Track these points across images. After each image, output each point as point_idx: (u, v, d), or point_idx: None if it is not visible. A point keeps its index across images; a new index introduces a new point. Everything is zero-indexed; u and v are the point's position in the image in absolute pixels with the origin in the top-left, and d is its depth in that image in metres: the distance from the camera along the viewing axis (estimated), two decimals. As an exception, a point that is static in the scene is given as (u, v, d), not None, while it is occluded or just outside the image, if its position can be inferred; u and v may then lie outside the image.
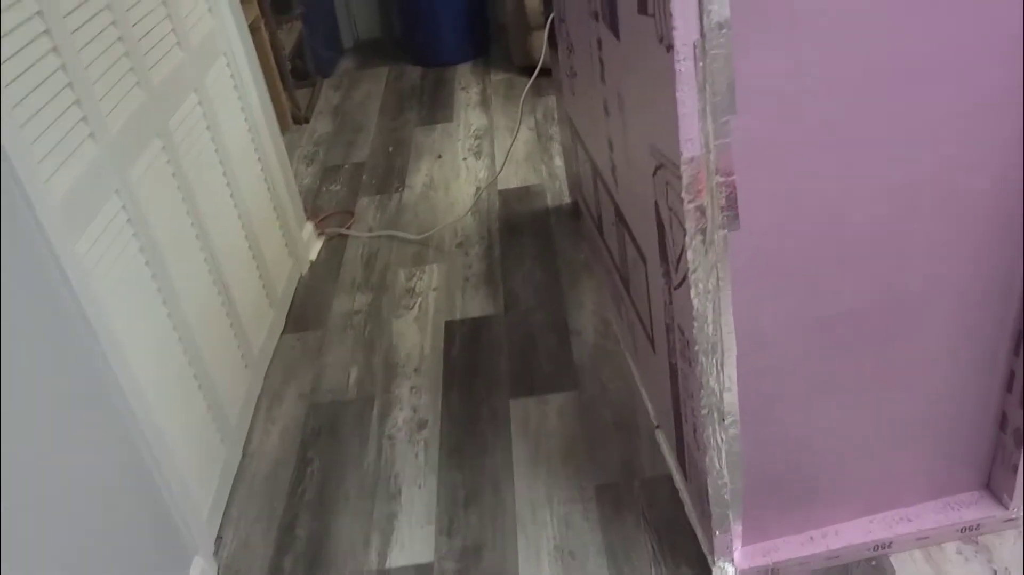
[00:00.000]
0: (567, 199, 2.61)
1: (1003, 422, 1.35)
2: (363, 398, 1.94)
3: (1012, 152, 1.10)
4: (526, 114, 3.19)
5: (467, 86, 3.62)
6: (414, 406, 1.89)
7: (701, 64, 0.97)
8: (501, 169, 2.79)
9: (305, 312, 2.26)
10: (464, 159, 2.98)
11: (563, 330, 2.05)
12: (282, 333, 2.18)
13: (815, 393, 1.27)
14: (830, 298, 1.19)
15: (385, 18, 4.16)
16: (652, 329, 1.50)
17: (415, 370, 2.00)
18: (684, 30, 0.95)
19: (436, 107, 3.46)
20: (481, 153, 3.00)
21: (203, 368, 1.68)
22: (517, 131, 2.77)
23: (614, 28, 1.29)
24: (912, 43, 1.01)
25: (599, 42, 1.44)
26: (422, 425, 1.83)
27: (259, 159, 2.20)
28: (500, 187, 2.74)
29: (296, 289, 2.34)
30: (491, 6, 3.98)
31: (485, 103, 3.42)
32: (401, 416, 1.87)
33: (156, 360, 1.50)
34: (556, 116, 3.13)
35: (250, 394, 1.93)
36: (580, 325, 2.06)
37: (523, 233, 2.49)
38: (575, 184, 2.44)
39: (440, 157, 3.02)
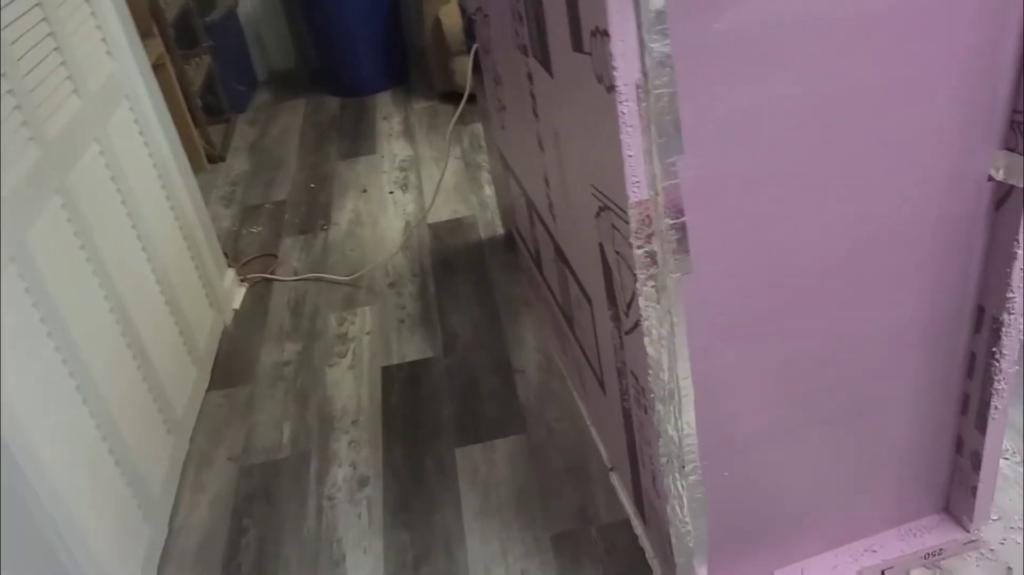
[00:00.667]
0: (500, 230, 2.54)
1: (959, 446, 1.33)
2: (299, 456, 1.82)
3: (961, 189, 1.08)
4: (452, 142, 3.12)
5: (389, 115, 3.53)
6: (354, 462, 1.78)
7: (645, 104, 0.91)
8: (431, 205, 2.70)
9: (231, 366, 2.14)
10: (391, 192, 2.89)
11: (506, 369, 1.98)
12: (207, 390, 2.05)
13: (775, 433, 1.23)
14: (786, 338, 1.14)
15: (300, 47, 4.04)
16: (601, 371, 1.44)
17: (353, 422, 1.89)
18: (625, 70, 0.89)
19: (358, 139, 3.36)
20: (408, 185, 2.91)
21: (119, 441, 1.54)
22: (446, 164, 2.69)
23: (546, 64, 1.23)
24: (862, 79, 0.97)
25: (530, 76, 1.38)
26: (364, 482, 1.73)
27: (172, 207, 2.07)
28: (430, 220, 2.66)
29: (220, 341, 2.21)
30: (408, 31, 3.91)
31: (409, 132, 3.34)
32: (341, 474, 1.76)
33: (64, 440, 1.37)
34: (483, 144, 3.07)
35: (174, 461, 1.79)
36: (523, 363, 1.99)
37: (457, 268, 2.41)
38: (508, 214, 2.38)
39: (365, 191, 2.93)
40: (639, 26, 0.87)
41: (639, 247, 1.01)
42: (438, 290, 2.32)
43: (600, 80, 0.95)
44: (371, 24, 3.64)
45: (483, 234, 2.56)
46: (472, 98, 2.16)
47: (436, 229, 2.62)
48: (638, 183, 0.97)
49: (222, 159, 3.31)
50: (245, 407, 1.99)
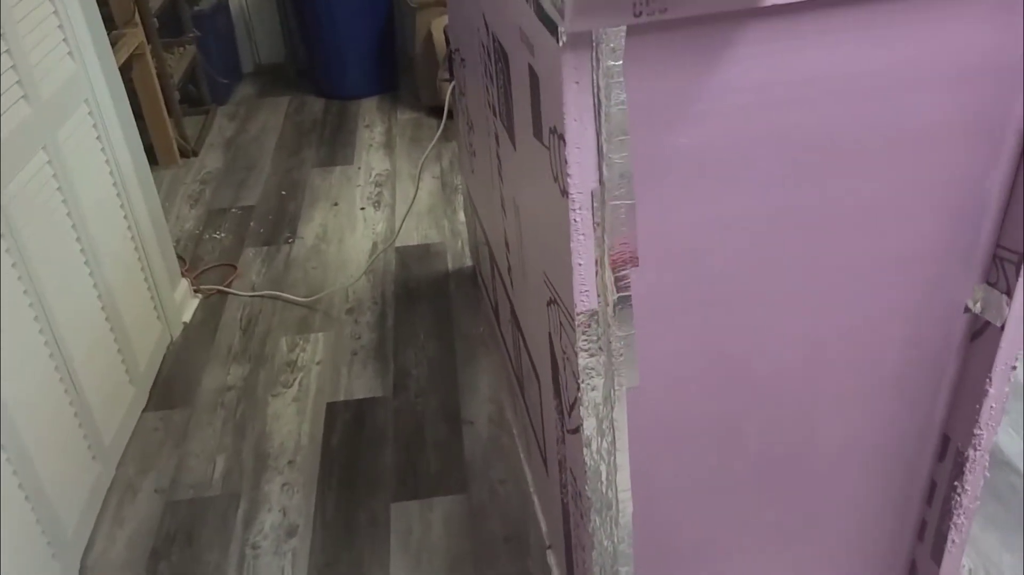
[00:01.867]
0: (469, 261, 2.46)
1: (913, 572, 1.27)
2: (228, 495, 1.74)
3: (934, 316, 1.01)
4: (431, 160, 3.04)
5: (371, 124, 3.44)
6: (284, 508, 1.70)
7: (600, 214, 0.84)
8: (398, 232, 2.61)
9: (172, 385, 2.04)
10: (362, 208, 2.80)
11: (455, 419, 1.90)
12: (144, 410, 1.96)
13: (716, 548, 1.16)
14: (734, 452, 1.07)
15: (289, 43, 3.94)
16: (545, 450, 1.37)
17: (289, 463, 1.81)
18: (580, 178, 0.81)
19: (337, 146, 3.27)
20: (381, 203, 2.82)
21: (31, 472, 1.45)
22: (415, 192, 2.61)
23: (511, 134, 1.15)
24: (819, 195, 0.90)
25: (496, 138, 1.30)
26: (292, 532, 1.65)
27: (125, 216, 1.98)
28: (398, 243, 2.57)
29: (165, 357, 2.12)
30: (400, 39, 3.82)
31: (389, 145, 3.25)
32: (269, 520, 1.68)
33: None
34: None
35: (96, 490, 1.70)
36: (473, 413, 1.91)
37: (420, 299, 2.33)
38: (475, 248, 2.30)
39: (336, 205, 2.84)
40: (599, 134, 0.79)
41: (585, 357, 0.93)
42: (396, 322, 2.23)
43: (555, 180, 0.87)
44: (363, 28, 3.54)
45: (451, 264, 2.47)
46: (451, 116, 2.07)
47: (403, 254, 2.54)
48: (587, 292, 0.89)
49: (195, 154, 3.21)
50: (180, 433, 1.90)
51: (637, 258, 0.87)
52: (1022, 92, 0.87)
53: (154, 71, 2.96)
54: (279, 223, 2.74)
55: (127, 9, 2.78)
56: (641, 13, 0.72)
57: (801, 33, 0.79)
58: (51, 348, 1.57)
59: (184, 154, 3.18)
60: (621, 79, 0.76)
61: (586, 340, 0.92)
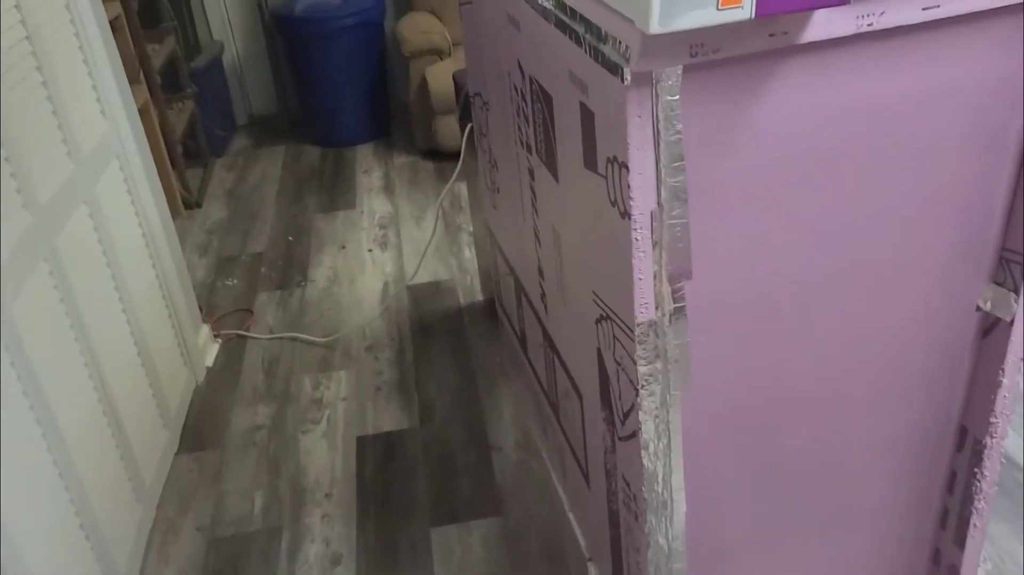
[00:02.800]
0: (480, 296, 2.55)
1: (937, 559, 1.36)
2: (269, 530, 1.79)
3: (950, 317, 1.12)
4: (432, 201, 3.14)
5: (369, 169, 3.54)
6: (327, 538, 1.76)
7: (658, 233, 0.93)
8: (416, 271, 2.70)
9: (202, 428, 2.10)
10: (369, 250, 2.89)
11: (483, 445, 1.97)
12: (176, 453, 2.01)
13: (758, 543, 1.24)
14: (775, 451, 1.16)
15: (282, 95, 4.04)
16: (587, 466, 1.45)
17: (326, 495, 1.86)
18: (642, 200, 0.91)
19: (337, 192, 3.36)
20: (387, 244, 2.91)
21: (89, 511, 1.50)
22: (434, 231, 2.70)
23: (552, 168, 1.25)
24: (848, 209, 1.01)
25: (531, 173, 1.40)
26: (336, 561, 1.70)
27: (153, 264, 2.05)
28: (409, 282, 2.66)
29: (192, 401, 2.18)
30: (393, 85, 3.94)
31: (389, 188, 3.35)
32: (313, 551, 1.73)
33: (35, 509, 1.33)
34: (464, 205, 3.09)
35: (141, 530, 1.75)
36: (500, 439, 1.99)
37: (436, 334, 2.40)
38: (487, 279, 2.39)
39: (344, 248, 2.92)
40: (658, 161, 0.89)
41: (644, 364, 1.02)
42: (416, 356, 2.31)
43: (613, 204, 0.97)
44: (356, 76, 3.66)
45: (462, 300, 2.56)
46: (456, 156, 2.15)
47: (415, 292, 2.62)
48: (646, 304, 0.98)
49: (198, 205, 3.29)
50: (215, 473, 1.95)
51: (691, 271, 0.97)
52: (1022, 109, 0.98)
53: (158, 126, 3.04)
54: (289, 267, 2.81)
55: (133, 68, 2.88)
56: (696, 54, 0.83)
57: (830, 66, 0.90)
58: (99, 392, 1.63)
59: (188, 206, 3.25)
60: (678, 112, 0.86)
61: (644, 349, 1.01)
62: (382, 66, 3.75)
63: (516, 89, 1.38)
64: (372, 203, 3.23)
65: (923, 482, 1.28)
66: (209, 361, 2.33)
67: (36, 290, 1.42)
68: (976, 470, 1.22)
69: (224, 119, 3.88)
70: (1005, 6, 0.90)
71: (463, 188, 3.11)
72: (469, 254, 2.78)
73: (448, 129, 3.32)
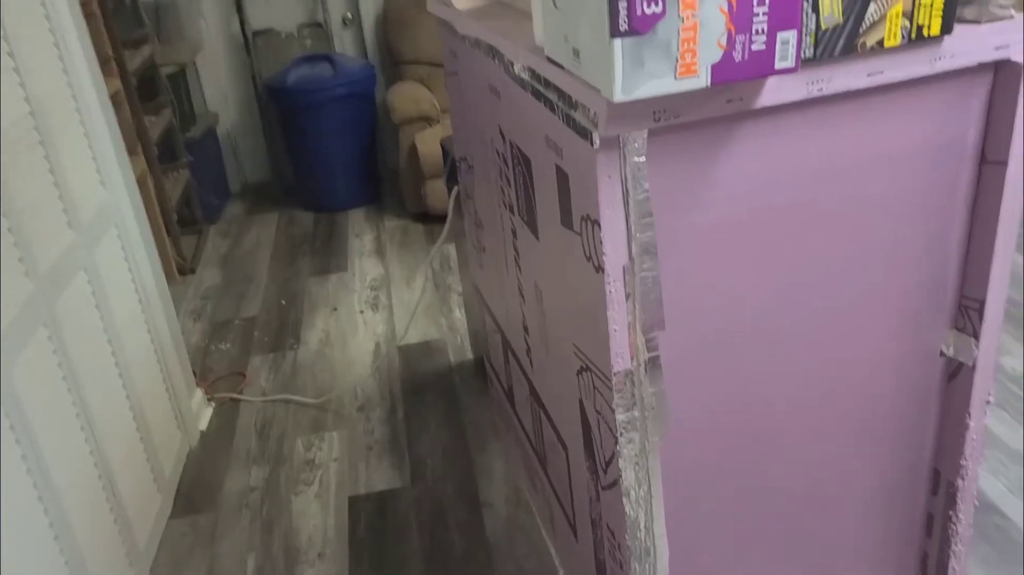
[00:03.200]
0: (470, 354, 2.59)
1: (920, 600, 1.38)
2: (263, 591, 1.80)
3: (916, 363, 1.16)
4: (422, 262, 3.20)
5: (361, 233, 3.62)
6: (320, 598, 1.76)
7: (630, 285, 0.99)
8: (405, 332, 2.75)
9: (195, 492, 2.11)
10: (361, 312, 2.93)
11: (474, 502, 1.99)
12: (170, 518, 2.02)
13: (745, 588, 1.26)
14: (754, 497, 1.20)
15: (274, 161, 4.14)
16: (574, 518, 1.47)
17: (319, 555, 1.87)
18: (613, 255, 0.97)
19: (329, 255, 3.42)
20: (378, 305, 2.96)
21: (85, 573, 1.52)
22: (422, 292, 2.75)
23: (532, 226, 1.31)
24: (811, 262, 1.06)
25: (514, 232, 1.46)
26: (329, 620, 1.71)
27: (148, 329, 2.09)
28: (400, 343, 2.70)
29: (185, 465, 2.19)
30: (382, 150, 4.04)
31: (380, 251, 3.41)
32: (306, 611, 1.74)
33: (31, 571, 1.35)
34: (453, 265, 3.15)
35: (135, 594, 1.76)
36: (491, 495, 2.00)
37: (427, 393, 2.44)
38: (478, 340, 2.43)
39: (336, 310, 2.97)
40: (627, 218, 0.95)
41: (621, 412, 1.06)
42: (407, 415, 2.34)
43: (588, 259, 1.02)
44: (348, 143, 3.76)
45: (452, 358, 2.60)
46: (444, 219, 2.22)
47: (406, 352, 2.66)
48: (622, 354, 1.03)
49: (192, 271, 3.34)
50: (208, 537, 1.96)
51: (664, 322, 1.02)
52: (969, 164, 1.05)
53: (154, 195, 3.12)
54: (282, 331, 2.86)
55: (131, 140, 2.96)
56: (660, 119, 0.89)
57: (785, 129, 0.97)
58: (95, 456, 1.65)
59: (182, 272, 3.31)
60: (645, 172, 0.92)
61: (622, 397, 1.05)
62: (373, 133, 3.86)
63: (498, 153, 1.45)
64: (364, 266, 3.29)
65: (902, 525, 1.31)
66: (203, 425, 2.35)
67: (35, 354, 1.46)
68: (951, 512, 1.25)
69: (219, 187, 3.96)
70: (944, 72, 0.97)
71: (453, 250, 3.18)
72: (459, 314, 2.83)
73: (437, 193, 3.41)
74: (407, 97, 3.52)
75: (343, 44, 4.05)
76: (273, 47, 3.97)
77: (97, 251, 1.82)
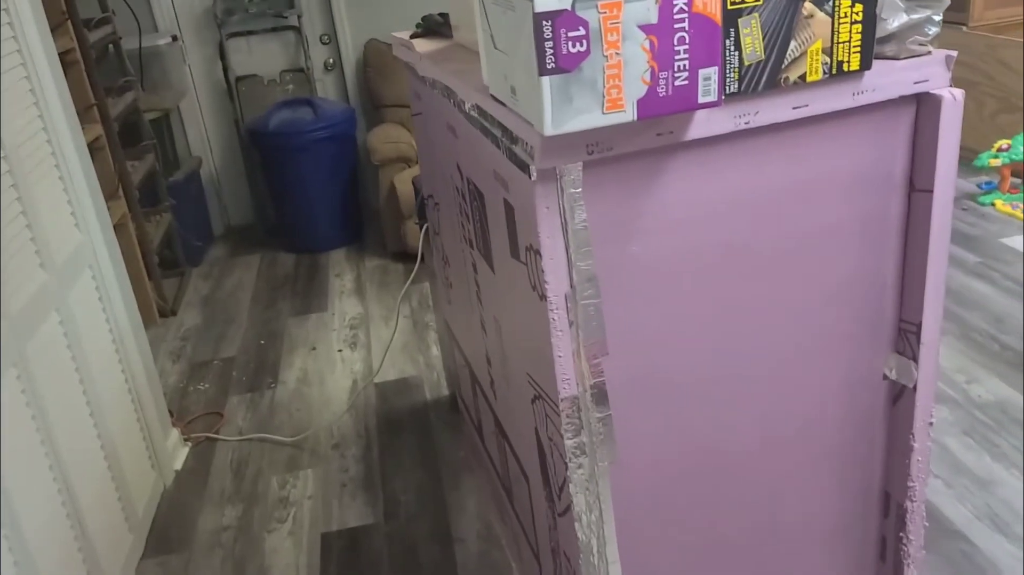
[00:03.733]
0: (446, 391, 2.61)
1: (879, 625, 1.39)
2: (233, 629, 1.79)
3: (860, 388, 1.20)
4: (401, 301, 3.23)
5: (341, 273, 3.65)
6: (289, 636, 1.76)
7: (573, 313, 1.02)
8: (379, 368, 2.77)
9: (168, 532, 2.11)
10: (339, 351, 2.95)
11: (446, 538, 2.00)
12: (141, 558, 2.02)
13: (702, 613, 1.28)
14: (705, 524, 1.22)
15: (257, 204, 4.19)
16: (538, 547, 1.49)
17: (290, 593, 1.87)
18: (555, 283, 1.00)
19: (310, 295, 3.45)
20: (357, 344, 2.98)
21: (50, 616, 1.52)
22: (395, 329, 2.78)
23: (488, 260, 1.34)
24: (749, 290, 1.10)
25: (475, 267, 1.49)
26: (298, 658, 1.70)
27: (123, 370, 2.10)
28: (377, 380, 2.72)
29: (159, 505, 2.19)
30: (363, 192, 4.10)
31: (360, 290, 3.44)
32: (275, 649, 1.73)
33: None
34: (431, 303, 3.18)
35: (104, 635, 1.75)
36: (463, 531, 2.01)
37: (402, 429, 2.45)
38: (453, 376, 2.46)
39: (315, 349, 2.99)
40: (567, 247, 0.99)
41: (569, 438, 1.09)
42: (382, 453, 2.35)
43: (534, 288, 1.06)
44: (330, 185, 3.81)
45: (428, 395, 2.62)
46: (422, 258, 2.27)
47: (383, 389, 2.68)
48: (568, 380, 1.06)
49: (173, 313, 3.36)
50: (181, 575, 1.96)
51: (607, 348, 1.05)
52: (899, 193, 1.09)
53: (136, 238, 3.15)
54: (260, 370, 2.87)
55: (112, 184, 3.01)
56: (593, 152, 0.94)
57: (714, 161, 1.01)
58: (63, 495, 1.66)
59: (163, 314, 3.33)
60: (582, 203, 0.96)
61: (570, 422, 1.08)
62: (354, 175, 3.92)
63: (457, 190, 1.49)
64: (343, 305, 3.32)
65: (856, 550, 1.32)
66: (178, 464, 2.36)
67: (3, 394, 1.48)
68: (902, 534, 1.27)
69: (201, 230, 4.00)
70: (866, 104, 1.01)
71: (427, 288, 3.21)
72: (436, 351, 2.85)
73: (415, 232, 3.45)
74: (386, 139, 3.58)
75: (325, 88, 4.12)
76: (256, 92, 4.04)
77: (71, 292, 1.84)
